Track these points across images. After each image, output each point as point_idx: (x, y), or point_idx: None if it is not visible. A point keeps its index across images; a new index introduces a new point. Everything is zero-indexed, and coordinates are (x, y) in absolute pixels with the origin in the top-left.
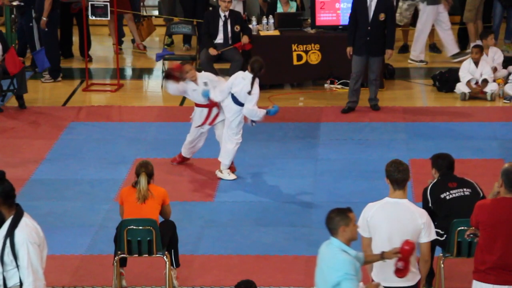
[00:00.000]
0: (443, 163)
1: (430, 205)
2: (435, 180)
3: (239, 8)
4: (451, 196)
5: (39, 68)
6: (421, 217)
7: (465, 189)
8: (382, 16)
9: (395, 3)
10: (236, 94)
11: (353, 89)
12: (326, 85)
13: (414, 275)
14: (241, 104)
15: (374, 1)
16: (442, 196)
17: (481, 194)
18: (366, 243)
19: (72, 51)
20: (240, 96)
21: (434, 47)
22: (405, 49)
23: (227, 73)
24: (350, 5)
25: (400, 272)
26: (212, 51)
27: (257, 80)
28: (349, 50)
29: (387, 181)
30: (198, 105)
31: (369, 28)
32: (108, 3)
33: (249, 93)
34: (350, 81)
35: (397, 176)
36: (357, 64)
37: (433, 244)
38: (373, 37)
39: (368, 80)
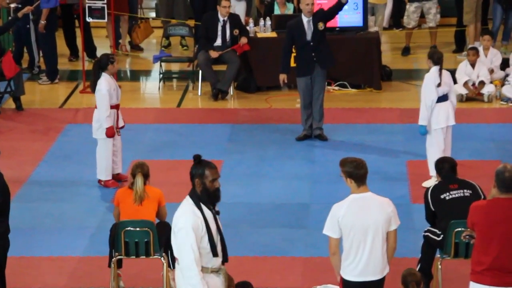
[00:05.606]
0: (444, 166)
1: (431, 206)
2: (437, 182)
3: (240, 9)
4: (450, 196)
5: (41, 5)
6: (389, 205)
7: (465, 190)
8: (321, 25)
9: (391, 7)
10: None
11: (306, 117)
12: None
13: (384, 269)
14: None
15: (309, 20)
16: (442, 196)
17: (482, 196)
18: (335, 244)
19: (78, 53)
20: None
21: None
22: (407, 51)
23: (224, 74)
24: (346, 7)
25: None
26: (213, 54)
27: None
28: (283, 77)
29: (349, 180)
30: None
31: (311, 43)
32: (105, 5)
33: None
34: (302, 109)
35: (361, 172)
36: (304, 87)
37: (433, 245)
38: (317, 52)
39: (313, 104)
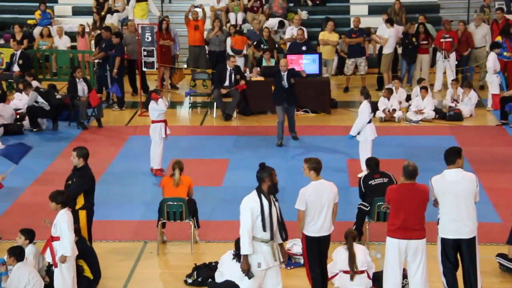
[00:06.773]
0: (371, 163)
1: (362, 189)
2: (367, 173)
3: (240, 62)
4: (375, 182)
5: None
6: (335, 187)
7: (384, 178)
8: (292, 80)
9: (337, 61)
10: None
11: (281, 131)
12: None
13: (331, 228)
14: None
15: (285, 73)
16: (369, 182)
17: (394, 182)
18: (302, 214)
19: (137, 90)
20: None
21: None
22: (346, 89)
23: (230, 104)
24: (308, 61)
25: None
26: (223, 91)
27: None
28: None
29: (312, 172)
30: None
31: (284, 88)
32: (155, 60)
33: None
34: (278, 125)
35: (320, 167)
36: (280, 112)
37: (363, 213)
38: (288, 93)
39: (288, 121)
